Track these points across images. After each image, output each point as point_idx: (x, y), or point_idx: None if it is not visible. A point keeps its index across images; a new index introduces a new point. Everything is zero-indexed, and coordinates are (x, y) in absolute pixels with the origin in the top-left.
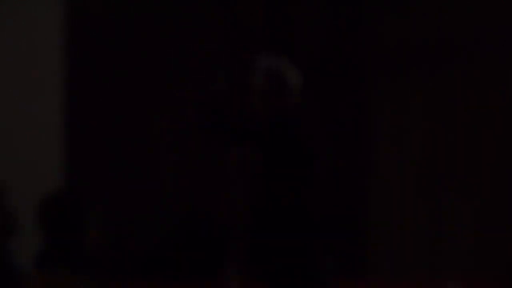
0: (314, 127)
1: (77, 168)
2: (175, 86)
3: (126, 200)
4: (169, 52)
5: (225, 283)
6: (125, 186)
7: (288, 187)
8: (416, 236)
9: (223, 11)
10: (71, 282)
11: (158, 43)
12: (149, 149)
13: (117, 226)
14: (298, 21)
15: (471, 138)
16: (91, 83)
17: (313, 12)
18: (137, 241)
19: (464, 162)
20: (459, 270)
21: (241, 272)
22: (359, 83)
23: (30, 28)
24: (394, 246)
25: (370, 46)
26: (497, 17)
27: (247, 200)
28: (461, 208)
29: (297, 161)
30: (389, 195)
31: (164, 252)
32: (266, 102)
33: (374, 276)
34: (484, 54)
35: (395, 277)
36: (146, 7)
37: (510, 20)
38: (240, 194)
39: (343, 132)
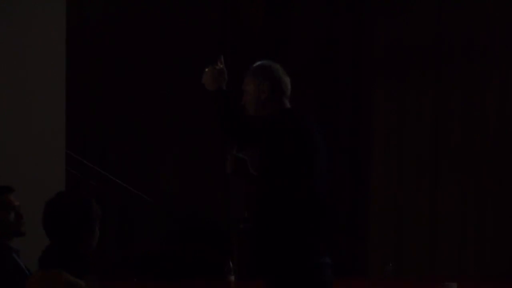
0: (314, 127)
1: (78, 168)
2: (175, 86)
3: (127, 200)
4: (168, 53)
5: (226, 282)
6: (126, 185)
7: (287, 185)
8: (416, 236)
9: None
10: (72, 282)
11: (157, 44)
12: (150, 149)
13: (118, 226)
14: (297, 21)
15: (470, 138)
16: (92, 84)
17: (312, 13)
18: (138, 241)
19: (465, 162)
20: (458, 270)
21: (242, 271)
22: (358, 83)
23: (32, 31)
24: (394, 246)
25: (370, 46)
26: (496, 18)
27: (246, 199)
28: (461, 208)
29: (296, 159)
30: (389, 195)
31: (165, 252)
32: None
33: (374, 276)
34: (484, 55)
35: (395, 277)
36: (146, 8)
37: (507, 21)
38: (240, 193)
39: (343, 132)
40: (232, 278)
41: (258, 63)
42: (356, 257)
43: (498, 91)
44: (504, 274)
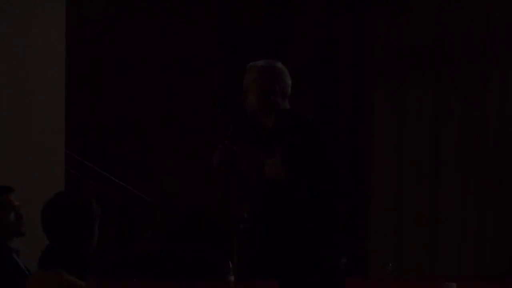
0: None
1: (78, 168)
2: (175, 86)
3: (127, 200)
4: (168, 53)
5: (226, 282)
6: (126, 185)
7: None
8: (416, 236)
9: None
10: (72, 282)
11: (157, 44)
12: (150, 149)
13: (118, 226)
14: (297, 21)
15: (470, 138)
16: (92, 84)
17: (312, 13)
18: (138, 241)
19: (465, 162)
20: (458, 270)
21: (242, 271)
22: (358, 83)
23: (32, 31)
24: (394, 246)
25: (369, 46)
26: (496, 18)
27: (248, 199)
28: (461, 208)
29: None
30: (389, 195)
31: (165, 252)
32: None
33: (374, 276)
34: (484, 55)
35: (395, 277)
36: (146, 8)
37: (507, 21)
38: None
39: (343, 131)
40: (232, 278)
41: (265, 62)
42: (356, 257)
43: (498, 91)
44: (504, 274)
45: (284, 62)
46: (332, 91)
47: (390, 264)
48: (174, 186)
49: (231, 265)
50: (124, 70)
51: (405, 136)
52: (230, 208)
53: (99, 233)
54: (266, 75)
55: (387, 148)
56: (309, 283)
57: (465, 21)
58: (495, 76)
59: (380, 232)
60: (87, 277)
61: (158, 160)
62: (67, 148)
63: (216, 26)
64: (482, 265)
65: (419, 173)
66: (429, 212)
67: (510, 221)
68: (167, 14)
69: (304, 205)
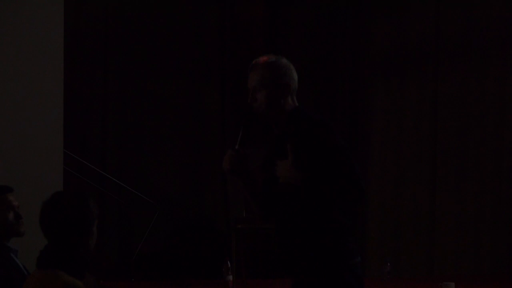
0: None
1: (78, 168)
2: (175, 86)
3: (127, 200)
4: (168, 53)
5: (225, 282)
6: (126, 186)
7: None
8: (415, 236)
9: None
10: (70, 282)
11: (158, 44)
12: (150, 149)
13: (118, 226)
14: (297, 21)
15: (469, 138)
16: (92, 84)
17: (312, 12)
18: (138, 241)
19: (464, 162)
20: (457, 270)
21: (241, 271)
22: (358, 83)
23: (31, 31)
24: (393, 246)
25: (369, 46)
26: (496, 18)
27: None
28: (460, 208)
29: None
30: (389, 195)
31: (165, 252)
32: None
33: (373, 276)
34: (484, 55)
35: (394, 277)
36: (147, 9)
37: (506, 21)
38: (239, 193)
39: (342, 131)
40: (231, 278)
41: (270, 58)
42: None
43: (497, 91)
44: (504, 274)
45: None
46: (332, 91)
47: (388, 264)
48: (174, 186)
49: (229, 265)
50: (124, 70)
51: (405, 136)
52: (230, 208)
53: (99, 233)
54: (274, 73)
55: (387, 148)
56: (317, 282)
57: (464, 21)
58: (495, 76)
59: (379, 232)
60: (87, 277)
61: (158, 160)
62: (67, 149)
63: (216, 26)
64: (481, 265)
65: (419, 173)
66: (428, 212)
67: (509, 221)
68: (167, 15)
69: (312, 205)
